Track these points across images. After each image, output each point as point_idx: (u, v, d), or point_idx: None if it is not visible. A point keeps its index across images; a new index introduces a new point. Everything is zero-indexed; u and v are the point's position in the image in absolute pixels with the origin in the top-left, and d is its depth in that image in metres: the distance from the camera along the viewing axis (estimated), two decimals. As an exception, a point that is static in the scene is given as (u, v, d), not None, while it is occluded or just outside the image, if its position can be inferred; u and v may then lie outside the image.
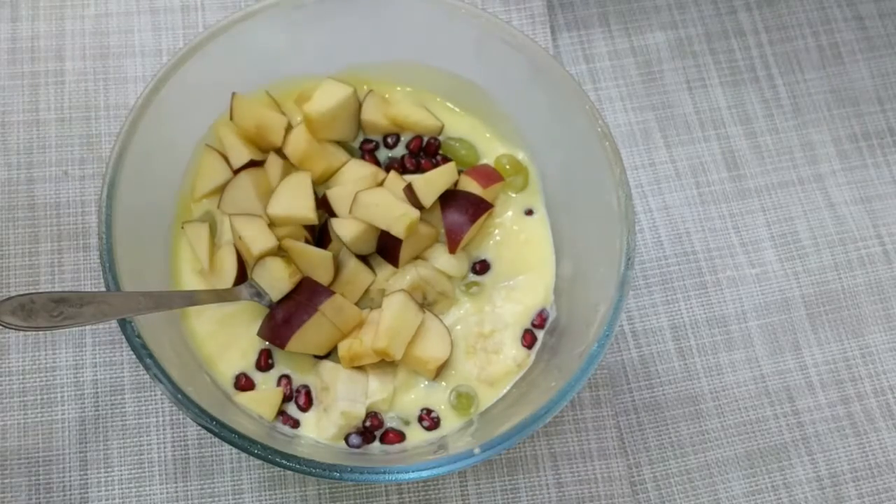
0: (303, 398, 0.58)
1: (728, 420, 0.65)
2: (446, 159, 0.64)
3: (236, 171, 0.61)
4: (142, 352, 0.49)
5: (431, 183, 0.60)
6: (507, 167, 0.64)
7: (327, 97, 0.61)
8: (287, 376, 0.59)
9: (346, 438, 0.57)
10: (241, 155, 0.61)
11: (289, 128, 0.62)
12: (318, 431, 0.57)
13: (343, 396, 0.57)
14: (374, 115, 0.64)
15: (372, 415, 0.58)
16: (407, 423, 0.58)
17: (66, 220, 0.66)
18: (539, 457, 0.62)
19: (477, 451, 0.49)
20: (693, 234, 0.70)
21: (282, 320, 0.57)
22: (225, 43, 0.57)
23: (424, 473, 0.49)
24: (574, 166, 0.60)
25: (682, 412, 0.65)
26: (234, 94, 0.60)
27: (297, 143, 0.61)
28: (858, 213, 0.72)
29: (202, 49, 0.56)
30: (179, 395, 0.49)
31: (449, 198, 0.61)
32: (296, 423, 0.57)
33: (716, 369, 0.66)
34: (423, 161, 0.64)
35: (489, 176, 0.62)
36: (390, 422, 0.58)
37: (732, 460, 0.64)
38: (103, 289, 0.52)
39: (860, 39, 0.77)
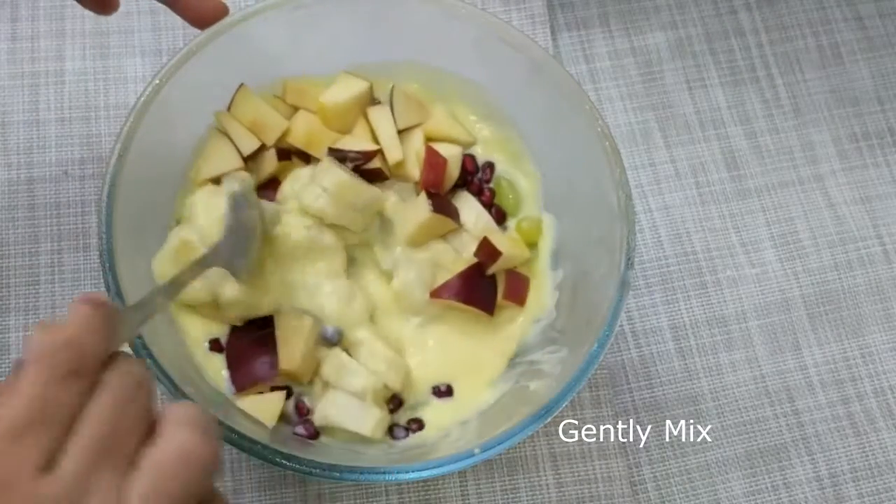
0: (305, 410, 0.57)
1: (728, 420, 0.65)
2: (491, 191, 0.63)
3: (247, 159, 0.60)
4: (142, 352, 0.49)
5: (509, 259, 0.59)
6: (525, 228, 0.63)
7: (343, 89, 0.61)
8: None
9: (392, 432, 0.57)
10: (250, 142, 0.60)
11: (287, 131, 0.61)
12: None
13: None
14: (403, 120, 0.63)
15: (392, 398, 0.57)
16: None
17: (66, 220, 0.66)
18: (539, 457, 0.62)
19: (477, 451, 0.49)
20: (693, 234, 0.70)
21: (241, 360, 0.57)
22: (225, 43, 0.57)
23: (424, 473, 0.49)
24: (574, 166, 0.60)
25: (682, 412, 0.65)
26: (241, 84, 0.60)
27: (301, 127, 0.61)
28: (858, 213, 0.72)
29: (202, 49, 0.56)
30: (179, 396, 0.49)
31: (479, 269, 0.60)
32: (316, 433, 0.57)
33: (716, 369, 0.66)
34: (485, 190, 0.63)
35: (518, 291, 0.60)
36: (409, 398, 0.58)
37: (732, 460, 0.64)
38: (103, 289, 0.52)
39: (860, 39, 0.77)
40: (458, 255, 0.60)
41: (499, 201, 0.63)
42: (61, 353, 0.36)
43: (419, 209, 0.59)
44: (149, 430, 0.37)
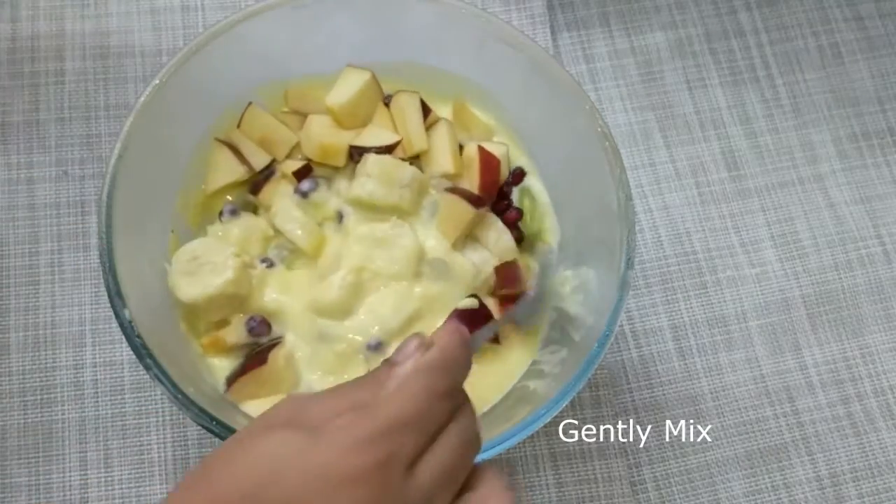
0: None
1: (728, 420, 0.65)
2: (518, 210, 0.62)
3: (261, 172, 0.61)
4: (142, 352, 0.49)
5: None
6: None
7: (347, 86, 0.61)
8: None
9: None
10: (261, 158, 0.61)
11: (297, 145, 0.62)
12: None
13: None
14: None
15: None
16: None
17: (66, 220, 0.66)
18: (539, 457, 0.62)
19: (477, 451, 0.49)
20: (693, 234, 0.70)
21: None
22: (225, 43, 0.57)
23: (424, 473, 0.49)
24: (574, 166, 0.60)
25: (682, 412, 0.65)
26: (250, 103, 0.61)
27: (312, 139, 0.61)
28: (858, 213, 0.72)
29: (202, 49, 0.56)
30: (179, 396, 0.49)
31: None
32: None
33: (716, 369, 0.66)
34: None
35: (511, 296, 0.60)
36: None
37: (732, 460, 0.64)
38: (103, 289, 0.52)
39: (860, 39, 0.77)
40: (477, 272, 0.60)
41: (519, 203, 0.63)
42: (442, 373, 0.39)
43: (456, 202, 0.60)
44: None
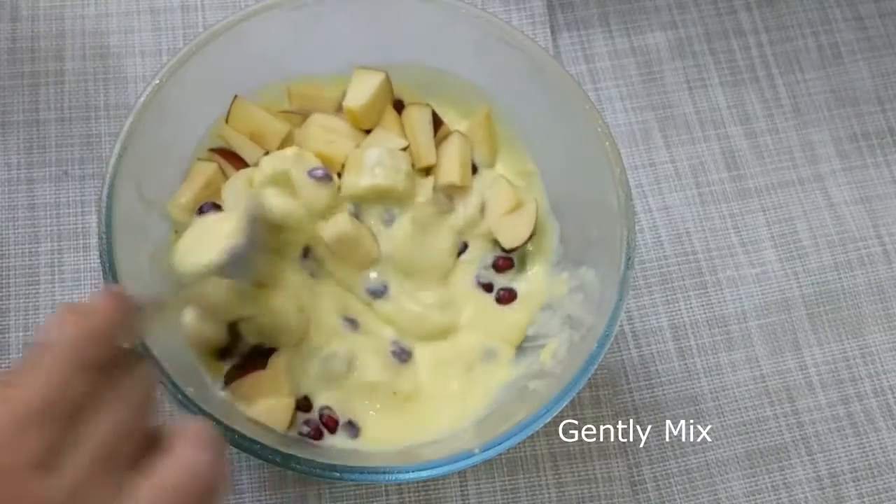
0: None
1: (728, 420, 0.65)
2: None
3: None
4: (142, 352, 0.49)
5: None
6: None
7: (364, 87, 0.61)
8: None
9: None
10: (254, 152, 0.61)
11: (289, 135, 0.62)
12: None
13: None
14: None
15: None
16: None
17: (66, 220, 0.66)
18: (539, 457, 0.62)
19: (477, 451, 0.49)
20: (693, 234, 0.70)
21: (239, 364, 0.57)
22: (225, 43, 0.57)
23: (424, 473, 0.49)
24: (574, 166, 0.60)
25: (682, 412, 0.65)
26: (236, 96, 0.60)
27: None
28: (858, 213, 0.72)
29: (202, 49, 0.56)
30: (179, 396, 0.49)
31: None
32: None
33: (716, 369, 0.66)
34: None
35: None
36: None
37: (732, 460, 0.64)
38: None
39: (860, 39, 0.77)
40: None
41: None
42: (87, 343, 0.34)
43: None
44: (148, 439, 0.36)
